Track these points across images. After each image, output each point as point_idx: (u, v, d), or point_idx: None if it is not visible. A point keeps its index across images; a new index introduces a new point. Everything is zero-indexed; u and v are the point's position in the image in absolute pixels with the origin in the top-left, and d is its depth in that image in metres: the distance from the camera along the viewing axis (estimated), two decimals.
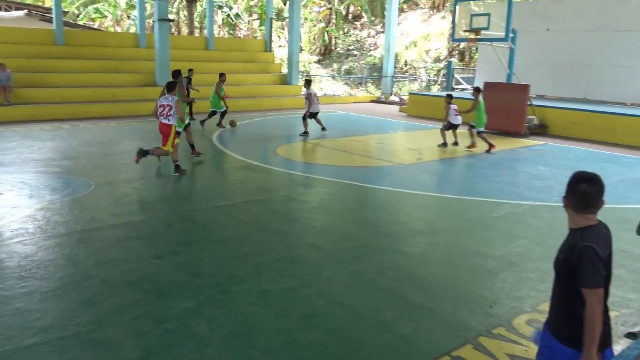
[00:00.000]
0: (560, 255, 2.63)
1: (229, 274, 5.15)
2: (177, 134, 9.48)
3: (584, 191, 2.54)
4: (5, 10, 29.80)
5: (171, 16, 30.22)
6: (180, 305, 4.45)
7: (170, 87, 9.16)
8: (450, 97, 13.10)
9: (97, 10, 36.44)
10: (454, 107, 12.83)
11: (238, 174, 9.84)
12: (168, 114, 8.96)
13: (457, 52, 31.80)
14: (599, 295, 2.46)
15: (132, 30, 33.92)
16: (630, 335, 4.08)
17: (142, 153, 9.26)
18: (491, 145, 12.45)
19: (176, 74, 10.29)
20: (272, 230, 6.59)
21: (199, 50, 23.14)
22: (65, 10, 31.55)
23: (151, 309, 4.38)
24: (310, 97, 14.32)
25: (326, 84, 32.63)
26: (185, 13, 37.04)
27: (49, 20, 22.87)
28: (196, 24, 37.03)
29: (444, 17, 33.66)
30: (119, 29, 38.91)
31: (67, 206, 7.24)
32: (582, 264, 2.48)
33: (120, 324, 4.14)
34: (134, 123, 15.83)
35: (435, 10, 35.86)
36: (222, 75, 14.77)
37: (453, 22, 17.83)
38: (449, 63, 21.67)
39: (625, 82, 17.55)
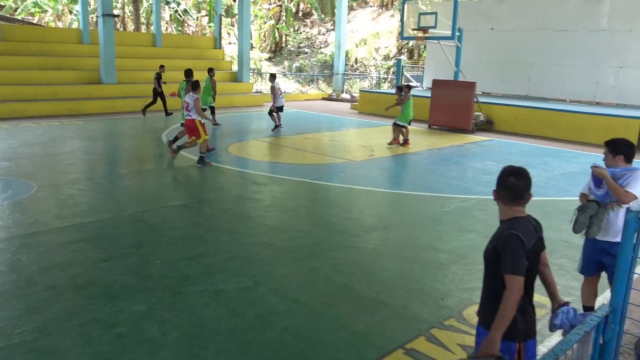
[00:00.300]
0: (489, 244, 2.72)
1: (182, 275, 5.05)
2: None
3: (512, 184, 2.65)
4: None
5: (116, 11, 29.30)
6: (132, 308, 4.34)
7: (193, 87, 10.12)
8: (400, 89, 13.44)
9: (36, 4, 34.84)
10: None
11: (189, 173, 9.67)
12: (187, 108, 9.95)
13: (406, 50, 32.32)
14: (519, 283, 2.53)
15: (75, 25, 32.69)
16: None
17: (201, 160, 9.98)
18: (394, 140, 12.76)
19: (189, 72, 11.29)
20: (225, 230, 6.52)
21: (146, 47, 22.55)
22: (2, 4, 30.06)
23: (100, 314, 4.24)
24: (274, 91, 14.42)
25: (277, 82, 32.50)
26: (131, 8, 35.98)
27: None
28: (142, 19, 36.05)
29: (392, 15, 34.14)
30: (60, 25, 37.39)
31: (7, 209, 6.91)
32: (506, 250, 2.57)
33: (68, 330, 3.99)
34: (79, 122, 15.28)
35: (384, 9, 36.32)
36: (211, 70, 14.42)
37: (402, 20, 18.12)
38: (399, 61, 22.00)
39: (564, 80, 18.35)
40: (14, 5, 33.62)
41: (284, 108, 15.05)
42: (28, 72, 17.81)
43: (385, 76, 30.37)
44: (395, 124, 12.83)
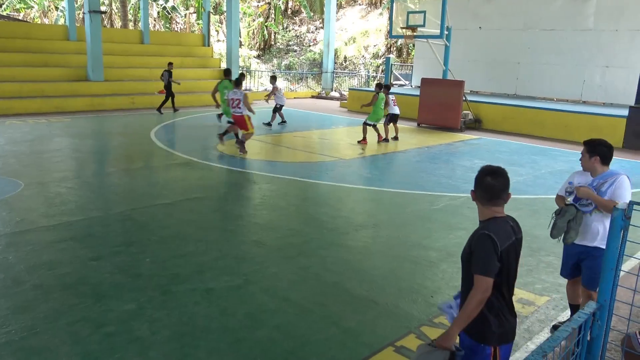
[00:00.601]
0: (466, 246, 2.68)
1: (172, 273, 5.03)
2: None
3: (489, 184, 2.61)
4: None
5: (103, 8, 29.04)
6: (121, 307, 4.32)
7: (237, 83, 11.01)
8: (388, 87, 13.76)
9: (21, 0, 34.41)
10: (391, 97, 13.26)
11: (178, 171, 9.62)
12: (238, 105, 10.66)
13: (395, 48, 32.38)
14: (486, 283, 2.49)
15: (61, 22, 32.29)
16: (556, 328, 4.30)
17: (241, 144, 11.06)
18: (363, 140, 12.80)
19: (228, 72, 12.70)
20: (215, 228, 6.50)
21: (134, 44, 22.38)
22: None
23: (89, 313, 4.21)
24: (277, 91, 15.48)
25: (266, 80, 32.43)
26: (118, 5, 35.65)
27: None
28: (130, 16, 35.73)
29: (381, 13, 34.15)
30: (46, 21, 36.96)
31: None
32: (476, 250, 2.54)
33: (56, 329, 3.96)
34: (66, 119, 15.14)
35: (373, 7, 36.33)
36: (241, 75, 14.36)
37: (390, 19, 18.14)
38: (387, 59, 22.02)
39: (551, 79, 18.52)
40: None
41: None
42: (14, 68, 17.59)
43: (375, 74, 30.42)
44: (364, 124, 12.87)
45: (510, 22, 19.43)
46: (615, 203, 3.66)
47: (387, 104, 13.14)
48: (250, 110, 10.77)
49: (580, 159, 3.99)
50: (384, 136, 13.03)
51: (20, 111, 15.81)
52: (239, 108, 10.66)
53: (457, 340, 2.70)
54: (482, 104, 17.06)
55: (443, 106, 16.04)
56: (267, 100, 15.98)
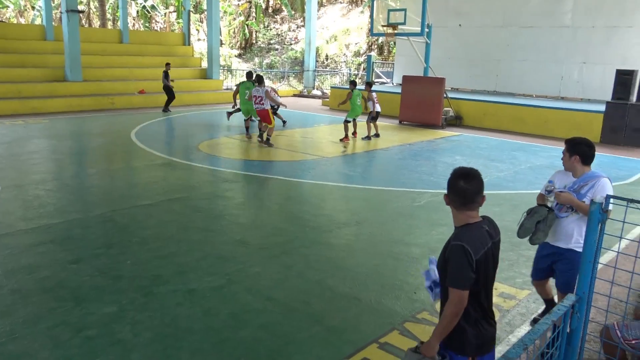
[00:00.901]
0: (441, 254, 2.61)
1: (153, 275, 4.99)
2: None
3: (462, 188, 2.49)
4: None
5: (81, 7, 28.62)
6: (102, 310, 4.26)
7: (259, 82, 12.00)
8: (370, 84, 13.75)
9: None
10: (374, 94, 13.30)
11: (158, 171, 9.52)
12: (261, 102, 11.79)
13: (376, 46, 32.48)
14: (459, 296, 2.41)
15: (38, 21, 31.76)
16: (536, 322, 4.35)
17: (267, 143, 11.91)
18: (345, 138, 12.85)
19: (250, 74, 13.32)
20: (197, 228, 6.45)
21: (113, 44, 22.10)
22: None
23: (69, 317, 4.15)
24: (268, 94, 15.12)
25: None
26: (96, 4, 35.18)
27: None
28: (109, 15, 35.29)
29: (362, 12, 34.22)
30: (22, 21, 36.32)
31: None
32: (449, 262, 2.46)
33: (36, 334, 3.90)
34: (44, 121, 14.89)
35: (354, 5, 36.38)
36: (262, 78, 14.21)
37: (371, 16, 18.20)
38: (369, 57, 22.11)
39: (531, 76, 18.75)
40: None
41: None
42: None
43: (356, 72, 30.48)
44: (345, 121, 12.90)
45: (489, 19, 19.61)
46: None
47: (371, 100, 13.13)
48: (274, 102, 12.04)
49: (562, 158, 3.88)
50: (349, 138, 12.96)
51: None
52: (262, 104, 11.74)
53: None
54: (463, 100, 17.20)
55: (424, 103, 16.14)
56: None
